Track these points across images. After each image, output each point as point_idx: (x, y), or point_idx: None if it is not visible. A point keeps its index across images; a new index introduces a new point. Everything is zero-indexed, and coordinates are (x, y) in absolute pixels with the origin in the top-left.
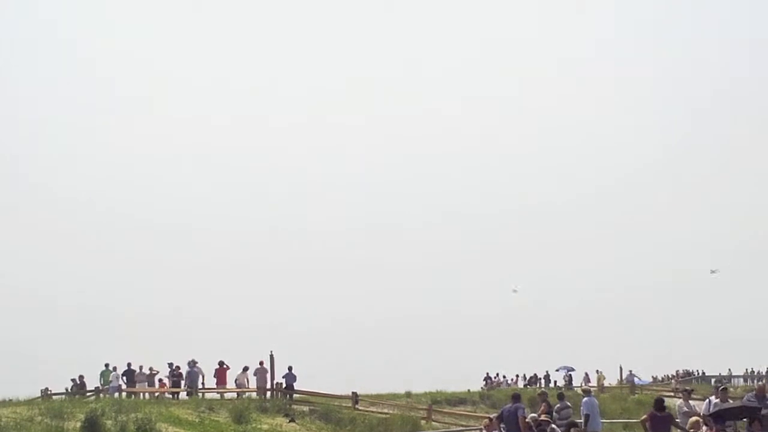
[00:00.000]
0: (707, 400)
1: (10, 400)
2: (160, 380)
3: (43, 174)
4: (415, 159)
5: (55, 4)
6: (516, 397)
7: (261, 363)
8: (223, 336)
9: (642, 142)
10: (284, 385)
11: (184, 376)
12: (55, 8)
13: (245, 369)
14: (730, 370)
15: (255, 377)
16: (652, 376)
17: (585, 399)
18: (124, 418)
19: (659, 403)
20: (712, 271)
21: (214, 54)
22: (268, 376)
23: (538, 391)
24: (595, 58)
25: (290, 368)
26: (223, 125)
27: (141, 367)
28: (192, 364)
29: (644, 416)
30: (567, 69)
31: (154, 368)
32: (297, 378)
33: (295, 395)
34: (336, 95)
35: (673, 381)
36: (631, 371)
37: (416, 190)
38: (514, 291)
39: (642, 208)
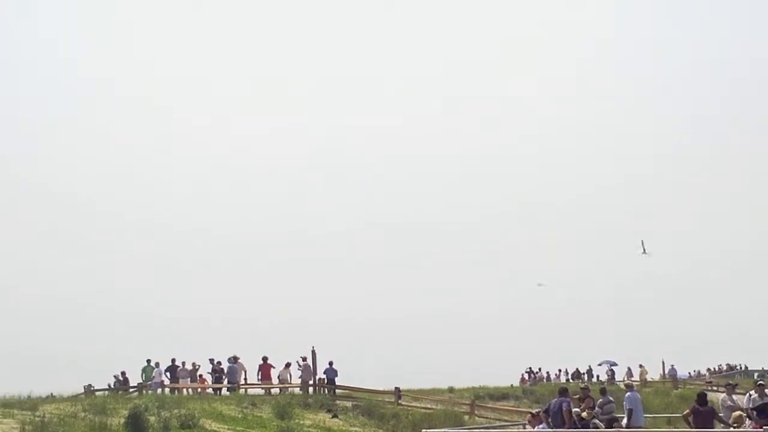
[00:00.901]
0: (747, 394)
1: (54, 396)
2: (201, 376)
3: (76, 184)
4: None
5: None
6: (563, 392)
7: (304, 359)
8: (265, 333)
9: (648, 143)
10: (325, 380)
11: (225, 372)
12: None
13: (287, 365)
14: None
15: (298, 373)
16: (694, 371)
17: (628, 394)
18: (167, 414)
19: (702, 398)
20: (539, 284)
21: (213, 56)
22: (311, 371)
23: (581, 386)
24: (594, 57)
25: (331, 363)
26: (241, 132)
27: (184, 363)
28: (233, 360)
29: (686, 411)
30: (567, 70)
31: (196, 364)
32: (338, 373)
33: (337, 390)
34: (342, 94)
35: (707, 375)
36: (673, 365)
37: (453, 189)
38: (540, 285)
39: (684, 196)
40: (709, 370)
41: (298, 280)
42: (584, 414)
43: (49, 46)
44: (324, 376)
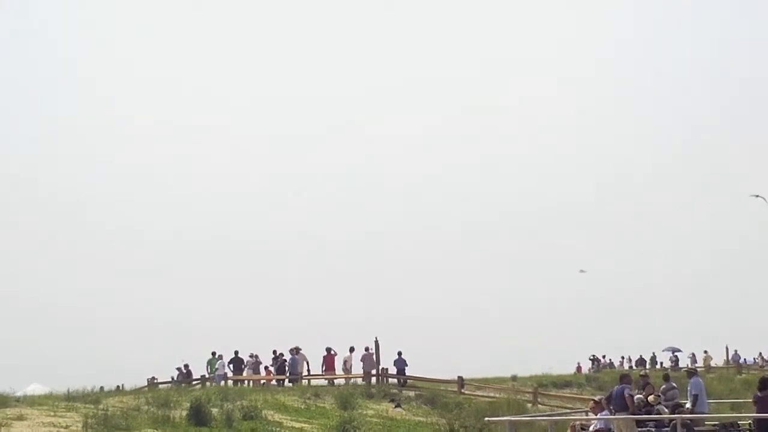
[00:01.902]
0: None
1: (117, 388)
2: (266, 367)
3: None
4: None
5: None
6: (624, 377)
7: (367, 349)
8: (329, 328)
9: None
10: (396, 371)
11: (287, 363)
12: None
13: (351, 350)
14: None
15: (361, 363)
16: (758, 356)
17: (692, 379)
18: (230, 406)
19: (764, 383)
20: (581, 271)
21: (213, 64)
22: (374, 361)
23: (640, 374)
24: (595, 76)
25: (400, 353)
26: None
27: (251, 355)
28: (294, 351)
29: (753, 397)
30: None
31: (259, 356)
32: (407, 363)
33: (401, 380)
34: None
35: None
36: (736, 351)
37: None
38: (582, 272)
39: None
40: None
41: (360, 278)
42: (650, 398)
43: (67, 65)
44: (393, 367)
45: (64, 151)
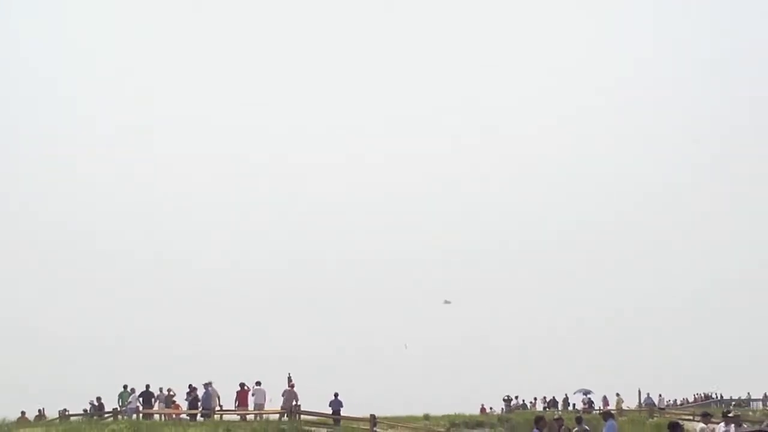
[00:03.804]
0: (720, 424)
1: (27, 418)
2: (175, 402)
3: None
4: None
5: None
6: (539, 420)
7: (290, 384)
8: (242, 364)
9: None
10: (331, 411)
11: (200, 398)
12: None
13: (258, 383)
14: (749, 393)
15: (282, 398)
16: (670, 400)
17: (608, 422)
18: None
19: (674, 428)
20: (446, 302)
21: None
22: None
23: (555, 416)
24: (602, 107)
25: (336, 395)
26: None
27: (161, 389)
28: (207, 385)
29: None
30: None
31: (172, 390)
32: (343, 404)
33: (306, 417)
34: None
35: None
36: (648, 394)
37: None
38: (447, 302)
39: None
40: (686, 399)
41: (276, 313)
42: None
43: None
44: (329, 408)
45: None
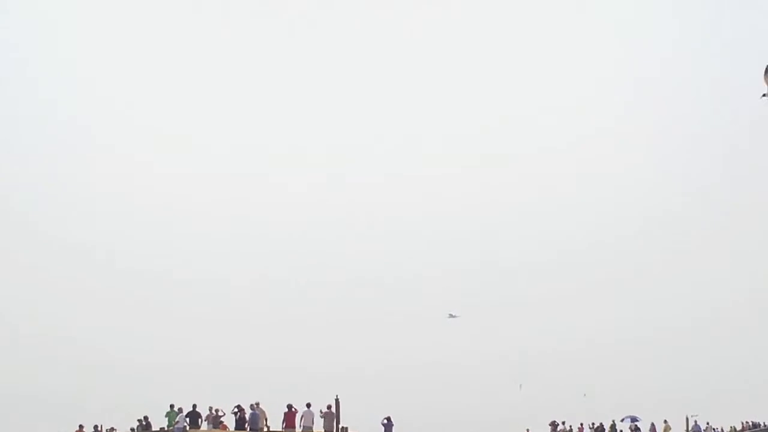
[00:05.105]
0: None
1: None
2: (222, 422)
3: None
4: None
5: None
6: None
7: (329, 407)
8: (289, 382)
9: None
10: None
11: (247, 418)
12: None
13: (308, 405)
14: None
15: (320, 421)
16: (717, 428)
17: None
18: None
19: None
20: (451, 315)
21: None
22: (333, 418)
23: None
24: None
25: (389, 419)
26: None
27: (210, 409)
28: (254, 406)
29: None
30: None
31: (220, 410)
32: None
33: None
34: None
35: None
36: (696, 421)
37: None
38: (452, 316)
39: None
40: (733, 428)
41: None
42: None
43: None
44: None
45: None
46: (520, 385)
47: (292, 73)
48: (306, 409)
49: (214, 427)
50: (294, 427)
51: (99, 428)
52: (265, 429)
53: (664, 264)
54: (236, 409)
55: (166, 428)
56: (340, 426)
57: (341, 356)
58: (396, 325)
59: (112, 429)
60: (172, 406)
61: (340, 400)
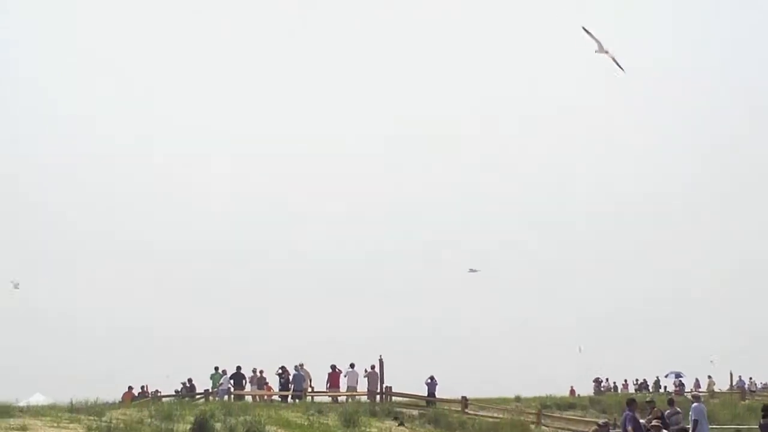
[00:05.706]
0: None
1: (121, 401)
2: (267, 383)
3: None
4: None
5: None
6: (630, 403)
7: (372, 367)
8: (333, 345)
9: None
10: (427, 393)
11: (291, 379)
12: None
13: (352, 366)
14: None
15: (366, 381)
16: (763, 383)
17: (694, 405)
18: (233, 421)
19: (766, 410)
20: (471, 270)
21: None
22: (378, 379)
23: (647, 398)
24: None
25: (432, 377)
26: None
27: (254, 370)
28: (299, 367)
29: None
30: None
31: (263, 372)
32: (436, 386)
33: (399, 398)
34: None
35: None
36: (740, 376)
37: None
38: (472, 271)
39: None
40: None
41: (365, 297)
42: (654, 422)
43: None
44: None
45: None
46: (580, 348)
47: (292, 74)
48: (350, 369)
49: (259, 389)
50: (338, 387)
51: (145, 389)
52: (310, 390)
53: (713, 216)
54: (280, 370)
55: (210, 390)
56: (384, 386)
57: (385, 321)
58: (447, 291)
59: (157, 391)
60: (216, 368)
61: (383, 360)
